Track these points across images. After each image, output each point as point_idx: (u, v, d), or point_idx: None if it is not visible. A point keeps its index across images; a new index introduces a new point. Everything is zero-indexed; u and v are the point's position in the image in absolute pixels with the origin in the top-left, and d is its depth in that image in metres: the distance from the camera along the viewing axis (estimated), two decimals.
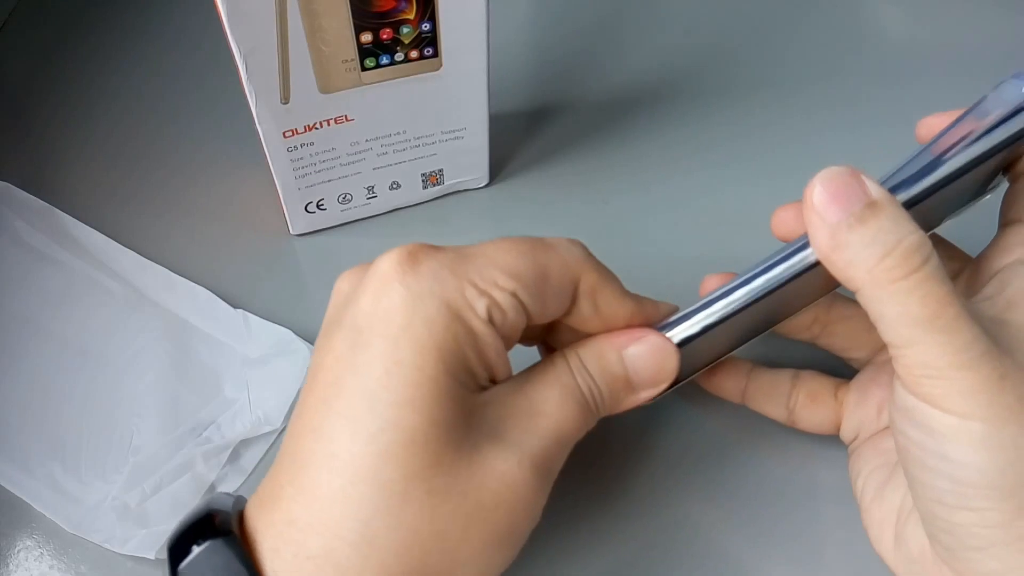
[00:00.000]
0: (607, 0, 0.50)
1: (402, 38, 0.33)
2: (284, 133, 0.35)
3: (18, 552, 0.32)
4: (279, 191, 0.37)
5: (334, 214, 0.39)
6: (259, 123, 0.34)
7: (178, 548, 0.23)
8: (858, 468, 0.29)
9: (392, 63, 0.34)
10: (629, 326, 0.26)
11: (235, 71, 0.32)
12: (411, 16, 0.32)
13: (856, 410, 0.30)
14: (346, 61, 0.33)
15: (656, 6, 0.49)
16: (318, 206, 0.39)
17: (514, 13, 0.49)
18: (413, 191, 0.40)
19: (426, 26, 0.33)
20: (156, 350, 0.36)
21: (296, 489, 0.23)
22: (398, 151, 0.38)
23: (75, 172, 0.42)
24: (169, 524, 0.31)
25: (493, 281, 0.23)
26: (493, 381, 0.25)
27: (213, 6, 0.30)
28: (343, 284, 0.26)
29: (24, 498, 0.33)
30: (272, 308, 0.37)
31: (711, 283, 0.29)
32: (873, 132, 0.43)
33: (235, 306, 0.37)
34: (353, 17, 0.32)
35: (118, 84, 0.46)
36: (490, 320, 0.23)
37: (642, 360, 0.26)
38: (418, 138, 0.37)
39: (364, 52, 0.33)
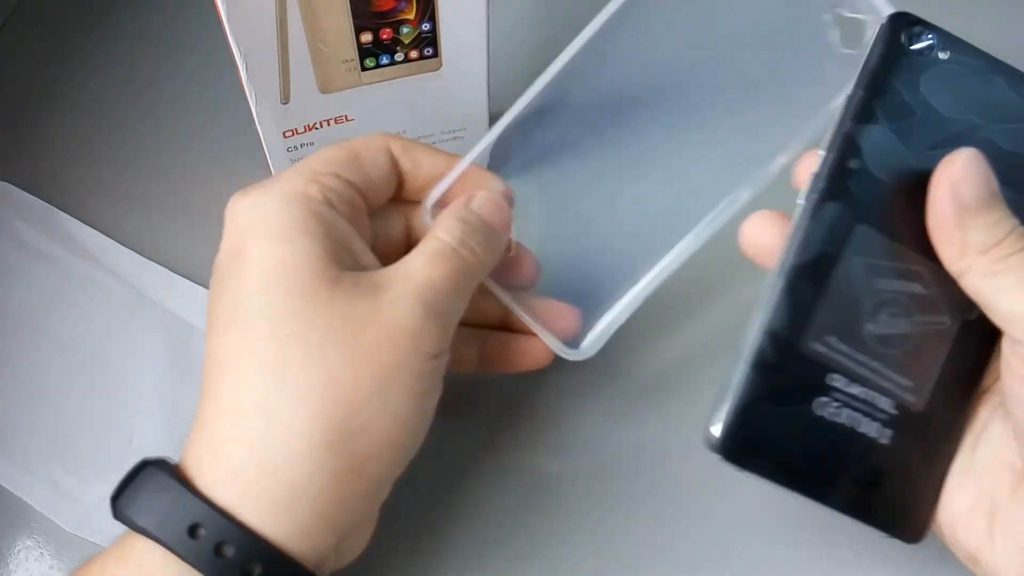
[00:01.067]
0: (607, 1, 0.50)
1: (402, 38, 0.33)
2: (284, 133, 0.35)
3: (18, 552, 0.32)
4: None
5: None
6: (259, 123, 0.34)
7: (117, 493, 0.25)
8: None
9: (392, 63, 0.34)
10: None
11: (235, 71, 0.32)
12: (411, 16, 0.32)
13: None
14: (346, 61, 0.33)
15: (656, 6, 0.49)
16: None
17: (514, 13, 0.49)
18: None
19: (426, 26, 0.33)
20: (156, 350, 0.36)
21: (205, 403, 0.26)
22: None
23: (75, 172, 0.42)
24: None
25: (314, 171, 0.27)
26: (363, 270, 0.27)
27: (213, 6, 0.30)
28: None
29: (24, 498, 0.33)
30: None
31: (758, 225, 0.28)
32: None
33: None
34: (353, 17, 0.32)
35: (118, 84, 0.46)
36: (328, 202, 0.27)
37: (487, 200, 0.29)
38: (418, 138, 0.37)
39: (364, 52, 0.33)
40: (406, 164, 0.30)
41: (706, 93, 0.28)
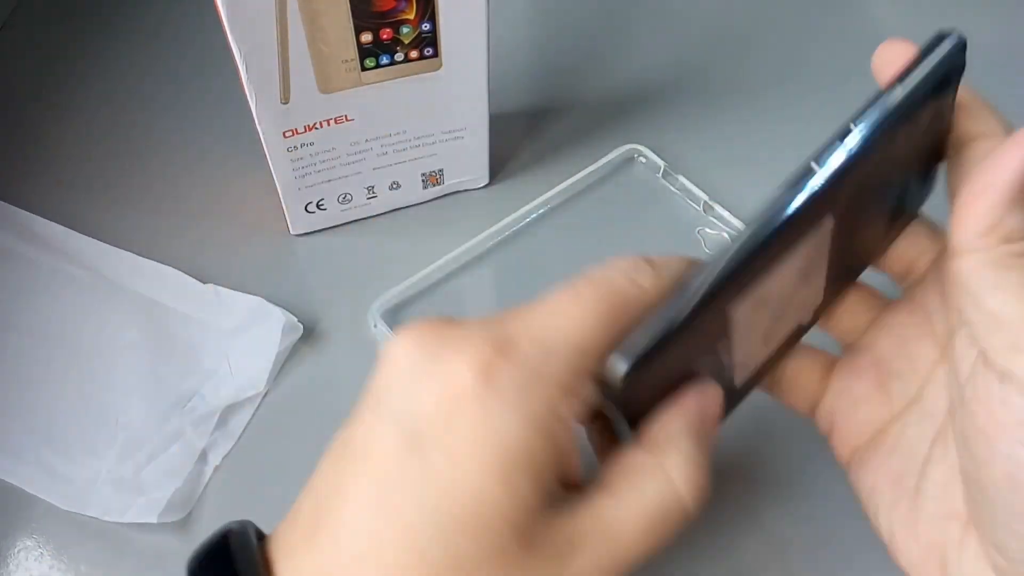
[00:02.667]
0: (607, 0, 0.50)
1: (402, 38, 0.33)
2: (284, 133, 0.35)
3: (18, 552, 0.32)
4: (279, 191, 0.37)
5: (334, 214, 0.39)
6: (259, 123, 0.34)
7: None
8: (869, 494, 0.26)
9: (392, 63, 0.34)
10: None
11: (235, 71, 0.32)
12: (411, 16, 0.32)
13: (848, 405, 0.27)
14: (346, 61, 0.33)
15: (656, 6, 0.49)
16: (318, 206, 0.39)
17: (514, 13, 0.49)
18: (413, 191, 0.40)
19: (426, 26, 0.33)
20: (130, 332, 0.36)
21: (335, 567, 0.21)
22: (398, 151, 0.38)
23: (76, 174, 0.42)
24: (166, 491, 0.32)
25: (582, 373, 0.21)
26: (564, 484, 0.22)
27: (213, 6, 0.30)
28: (401, 356, 0.22)
29: (15, 483, 0.33)
30: None
31: None
32: None
33: None
34: (353, 17, 0.32)
35: (118, 84, 0.46)
36: (573, 422, 0.21)
37: (702, 417, 0.23)
38: (418, 138, 0.37)
39: (364, 52, 0.33)
40: None
41: None
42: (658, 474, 0.22)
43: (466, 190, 0.41)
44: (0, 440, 0.34)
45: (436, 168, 0.39)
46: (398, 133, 0.37)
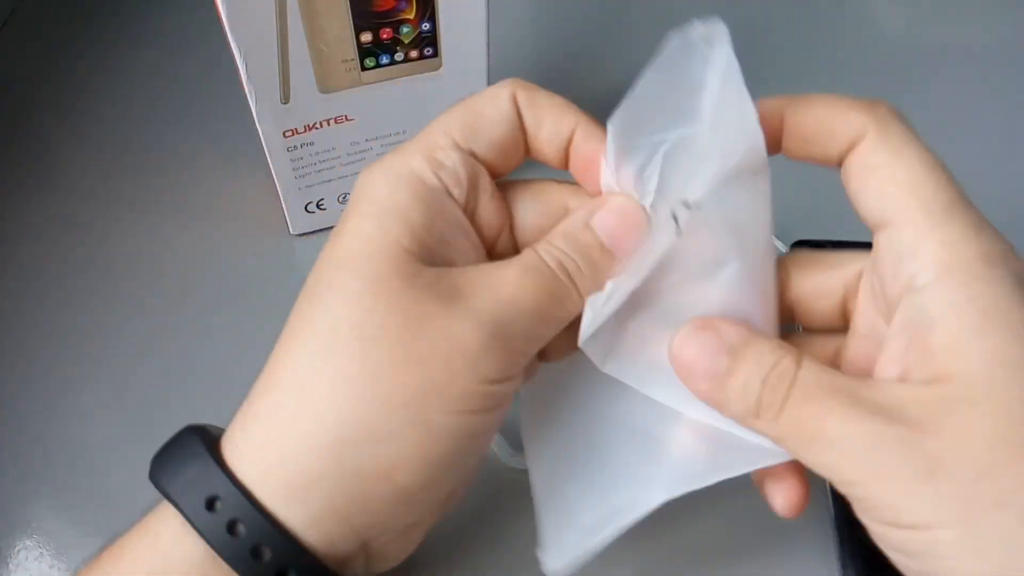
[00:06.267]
0: (606, 3, 0.50)
1: (402, 38, 0.33)
2: (284, 133, 0.35)
3: (18, 552, 0.32)
4: (279, 191, 0.37)
5: (334, 214, 0.39)
6: (259, 123, 0.34)
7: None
8: None
9: (392, 63, 0.34)
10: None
11: (235, 71, 0.32)
12: (411, 16, 0.33)
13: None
14: (346, 61, 0.33)
15: (656, 5, 0.49)
16: (318, 206, 0.39)
17: (514, 13, 0.49)
18: None
19: (426, 26, 0.33)
20: None
21: (264, 370, 0.24)
22: None
23: (74, 173, 0.42)
24: None
25: (432, 144, 0.25)
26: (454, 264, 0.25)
27: (213, 6, 0.30)
28: None
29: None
30: (272, 308, 0.37)
31: None
32: None
33: (235, 305, 0.37)
34: (353, 17, 0.32)
35: (118, 84, 0.46)
36: (439, 187, 0.25)
37: (609, 220, 0.25)
38: None
39: (364, 52, 0.33)
40: (529, 120, 0.26)
41: None
42: (533, 249, 0.25)
43: None
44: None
45: None
46: (398, 133, 0.37)
